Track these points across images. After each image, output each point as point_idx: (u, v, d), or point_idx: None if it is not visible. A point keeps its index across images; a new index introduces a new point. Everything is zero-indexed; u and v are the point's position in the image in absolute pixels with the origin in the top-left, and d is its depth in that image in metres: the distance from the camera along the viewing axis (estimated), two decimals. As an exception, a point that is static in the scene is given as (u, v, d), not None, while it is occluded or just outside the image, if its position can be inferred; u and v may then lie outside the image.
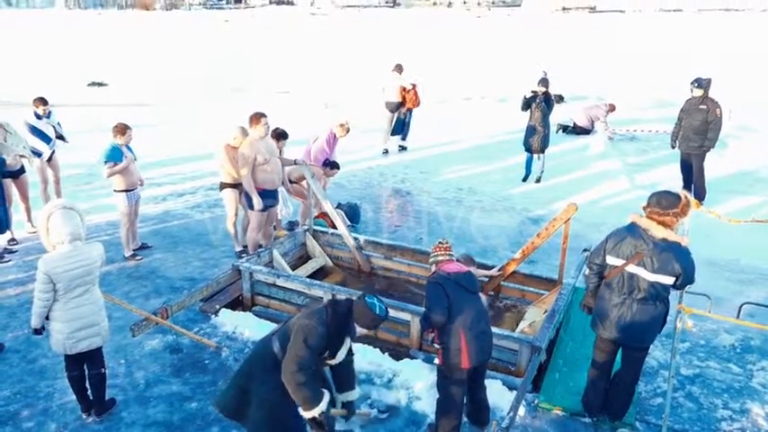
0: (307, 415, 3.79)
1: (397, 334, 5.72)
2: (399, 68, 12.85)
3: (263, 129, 7.03)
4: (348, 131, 8.73)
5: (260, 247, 7.39)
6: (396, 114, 12.82)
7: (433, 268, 4.52)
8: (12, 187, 7.90)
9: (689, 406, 5.03)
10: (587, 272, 4.69)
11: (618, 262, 4.38)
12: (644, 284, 4.28)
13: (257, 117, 7.01)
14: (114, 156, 7.14)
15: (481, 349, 4.34)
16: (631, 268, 4.30)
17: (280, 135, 7.83)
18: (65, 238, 4.31)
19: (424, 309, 4.67)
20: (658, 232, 4.21)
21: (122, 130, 7.22)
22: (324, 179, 8.44)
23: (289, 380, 3.71)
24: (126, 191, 7.32)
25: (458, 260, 5.66)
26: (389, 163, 12.11)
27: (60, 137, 8.76)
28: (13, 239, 7.89)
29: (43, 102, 8.44)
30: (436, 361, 4.51)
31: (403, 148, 13.01)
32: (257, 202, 7.08)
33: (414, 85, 12.74)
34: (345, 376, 4.24)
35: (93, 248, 4.52)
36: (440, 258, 4.50)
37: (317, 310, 3.94)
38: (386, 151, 12.91)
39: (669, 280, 4.24)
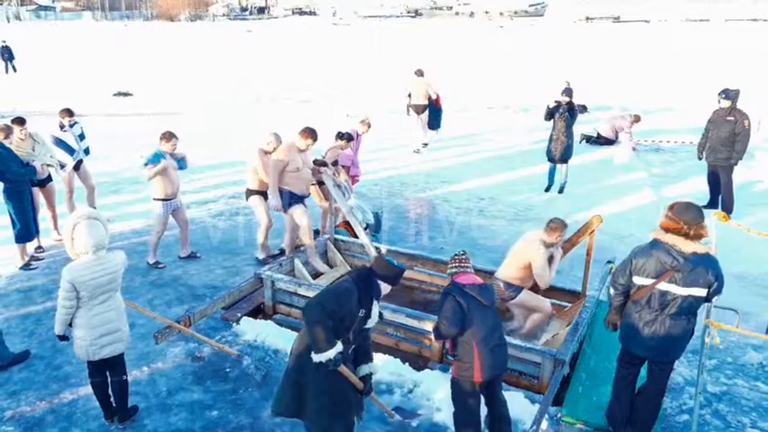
0: (315, 358, 3.82)
1: (419, 344, 5.68)
2: (422, 73, 13.55)
3: (305, 144, 7.24)
4: (369, 126, 9.06)
5: (281, 253, 7.43)
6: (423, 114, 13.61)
7: (450, 280, 4.51)
8: (39, 196, 8.07)
9: (716, 424, 4.91)
10: (612, 291, 4.59)
11: (646, 281, 4.28)
12: (678, 300, 4.19)
13: (307, 132, 7.24)
14: (155, 159, 7.30)
15: (495, 363, 4.31)
16: (663, 286, 4.22)
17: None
18: (89, 249, 4.37)
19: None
20: (687, 247, 4.13)
21: (168, 137, 7.42)
22: (344, 178, 8.48)
23: (308, 317, 3.79)
24: (164, 200, 7.41)
25: (549, 227, 5.88)
26: (411, 172, 12.10)
27: (84, 149, 8.68)
28: (39, 247, 8.02)
29: (69, 113, 8.55)
30: (450, 371, 4.50)
31: (425, 144, 13.63)
32: (277, 203, 7.18)
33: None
34: (363, 348, 4.27)
35: (116, 256, 4.58)
36: (455, 270, 4.49)
37: (341, 279, 4.13)
38: (425, 144, 13.65)
39: (702, 292, 4.16)
